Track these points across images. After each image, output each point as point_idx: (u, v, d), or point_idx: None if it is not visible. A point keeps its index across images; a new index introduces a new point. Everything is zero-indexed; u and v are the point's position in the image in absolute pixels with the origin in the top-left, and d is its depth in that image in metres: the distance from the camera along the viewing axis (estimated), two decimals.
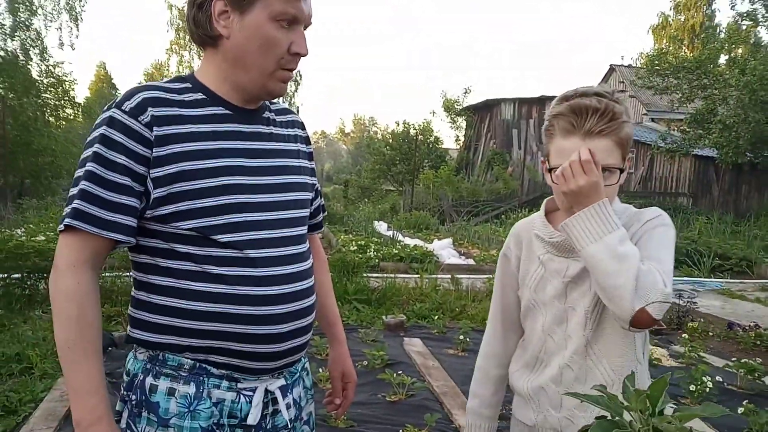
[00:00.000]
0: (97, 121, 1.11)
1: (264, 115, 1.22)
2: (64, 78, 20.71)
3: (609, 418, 0.80)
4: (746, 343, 5.25)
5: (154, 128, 1.07)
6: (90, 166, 1.06)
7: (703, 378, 3.62)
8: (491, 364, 1.50)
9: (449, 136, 29.68)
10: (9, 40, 19.32)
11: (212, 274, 1.09)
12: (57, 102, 20.30)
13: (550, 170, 1.28)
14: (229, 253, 1.10)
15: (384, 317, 5.33)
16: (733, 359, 4.31)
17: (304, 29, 1.15)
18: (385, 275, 6.62)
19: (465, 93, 28.19)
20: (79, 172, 1.08)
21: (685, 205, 18.35)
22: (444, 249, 8.87)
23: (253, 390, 1.14)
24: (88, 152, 1.08)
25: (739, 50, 17.01)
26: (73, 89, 21.43)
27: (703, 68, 16.12)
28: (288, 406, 1.20)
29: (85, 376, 1.04)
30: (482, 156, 23.64)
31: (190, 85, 1.15)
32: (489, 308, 4.70)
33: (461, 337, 4.71)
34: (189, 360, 1.11)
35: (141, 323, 1.13)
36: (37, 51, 20.26)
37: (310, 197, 1.31)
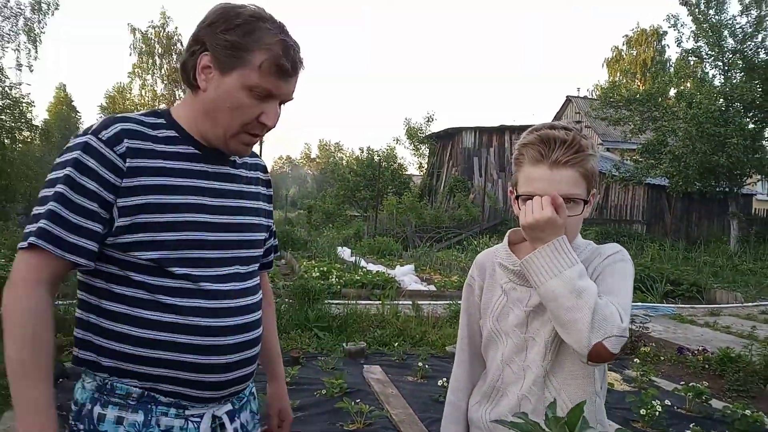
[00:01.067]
0: (70, 144, 1.13)
1: (231, 156, 1.27)
2: (21, 100, 20.31)
3: None
4: (695, 367, 5.43)
5: (128, 159, 1.11)
6: (60, 188, 1.08)
7: (653, 402, 3.74)
8: (460, 397, 1.48)
9: (412, 163, 30.08)
10: None
11: (164, 304, 1.12)
12: (13, 124, 19.82)
13: (517, 198, 1.32)
14: (183, 285, 1.14)
15: (344, 344, 5.33)
16: (682, 383, 4.46)
17: (281, 104, 1.21)
18: (347, 302, 6.62)
19: (428, 121, 28.70)
20: (47, 192, 1.09)
21: (640, 232, 18.96)
22: (406, 275, 8.94)
23: (201, 416, 1.17)
24: (59, 173, 1.10)
25: (687, 84, 17.85)
26: (30, 111, 21.01)
27: (653, 101, 16.86)
28: (235, 430, 1.23)
29: (35, 395, 1.04)
30: (444, 183, 23.98)
31: (164, 122, 1.20)
32: (450, 335, 4.80)
33: (420, 363, 4.75)
34: (137, 389, 1.13)
35: (89, 345, 1.15)
36: None
37: (264, 237, 1.35)
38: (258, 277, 1.33)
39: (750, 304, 9.86)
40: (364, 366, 4.80)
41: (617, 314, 1.17)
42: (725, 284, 11.39)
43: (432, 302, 7.27)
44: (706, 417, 4.00)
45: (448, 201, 22.27)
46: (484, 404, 1.41)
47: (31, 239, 1.06)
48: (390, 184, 23.48)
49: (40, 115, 37.22)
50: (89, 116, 79.55)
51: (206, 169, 1.21)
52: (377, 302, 6.92)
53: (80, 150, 1.10)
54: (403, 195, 20.76)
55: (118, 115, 1.19)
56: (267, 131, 1.21)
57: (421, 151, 29.20)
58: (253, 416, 1.33)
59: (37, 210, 1.09)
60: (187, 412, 1.16)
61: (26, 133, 21.03)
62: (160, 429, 1.13)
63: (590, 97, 34.38)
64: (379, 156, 24.71)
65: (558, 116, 32.71)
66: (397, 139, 38.42)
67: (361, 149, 37.01)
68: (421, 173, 28.59)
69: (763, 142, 16.69)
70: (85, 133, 1.13)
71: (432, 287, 8.61)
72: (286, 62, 1.15)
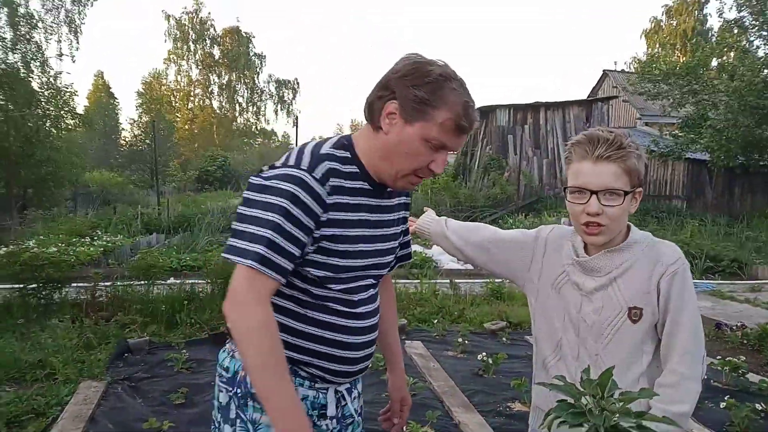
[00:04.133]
0: (279, 173, 1.26)
1: (388, 189, 1.43)
2: (65, 89, 20.96)
3: (569, 401, 1.03)
4: (733, 342, 5.48)
5: (330, 196, 1.29)
6: (278, 218, 1.22)
7: None
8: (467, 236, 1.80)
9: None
10: (10, 54, 19.52)
11: (323, 306, 1.35)
12: (57, 113, 20.49)
13: (564, 190, 1.52)
14: (337, 295, 1.36)
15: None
16: (719, 357, 4.54)
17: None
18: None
19: None
20: (263, 214, 1.22)
21: (679, 207, 18.62)
22: (443, 254, 9.08)
23: (327, 389, 1.41)
24: (274, 201, 1.23)
25: (729, 56, 17.31)
26: (73, 100, 21.66)
27: (693, 74, 16.40)
28: (354, 400, 1.50)
29: (286, 395, 1.19)
30: (479, 162, 23.88)
31: (350, 156, 1.35)
32: (487, 312, 4.98)
33: (460, 339, 4.94)
34: None
35: None
36: (38, 63, 20.47)
37: (395, 254, 1.57)
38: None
39: None
40: (406, 341, 5.02)
41: (688, 399, 1.42)
42: None
43: (469, 281, 7.42)
44: (742, 390, 4.09)
45: (482, 180, 22.19)
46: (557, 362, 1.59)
47: (257, 265, 1.19)
48: None
49: (81, 103, 38.17)
50: (127, 103, 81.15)
51: (373, 203, 1.39)
52: (416, 281, 7.12)
53: (296, 185, 1.24)
54: (437, 175, 20.79)
55: (323, 152, 1.32)
56: (433, 177, 1.40)
57: None
58: (359, 390, 1.58)
59: (248, 229, 1.23)
60: (317, 386, 1.39)
61: (70, 121, 21.67)
62: (299, 396, 1.33)
63: (628, 70, 33.57)
64: None
65: (594, 91, 32.06)
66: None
67: None
68: (455, 153, 28.53)
69: None
70: (297, 166, 1.27)
71: (469, 266, 8.74)
72: (465, 122, 1.29)
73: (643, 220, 14.47)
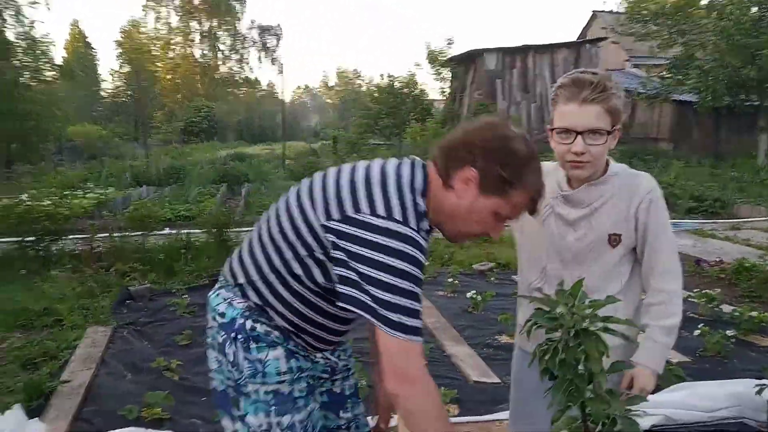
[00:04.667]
0: (399, 231, 1.25)
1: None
2: (41, 40, 20.42)
3: (545, 311, 1.18)
4: (711, 277, 5.74)
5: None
6: (409, 286, 1.24)
7: None
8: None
9: (434, 88, 29.76)
10: None
11: (325, 311, 1.42)
12: (36, 64, 20.02)
13: (551, 130, 1.62)
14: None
15: None
16: (695, 290, 4.78)
17: None
18: None
19: (448, 44, 28.09)
20: (404, 284, 1.24)
21: (666, 149, 18.82)
22: None
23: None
24: (408, 270, 1.24)
25: None
26: (51, 50, 21.13)
27: (682, 13, 16.27)
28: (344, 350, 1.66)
29: None
30: (468, 108, 23.80)
31: (424, 210, 1.33)
32: (476, 254, 5.21)
33: (450, 280, 5.14)
34: (280, 330, 1.45)
35: (261, 296, 1.44)
36: (12, 12, 19.85)
37: None
38: None
39: None
40: None
41: (677, 311, 1.63)
42: (751, 199, 11.47)
43: None
44: (715, 320, 4.34)
45: None
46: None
47: (415, 339, 1.25)
48: (412, 111, 23.38)
49: (58, 54, 37.12)
50: (106, 53, 78.70)
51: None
52: None
53: (414, 248, 1.25)
54: (426, 122, 20.73)
55: (420, 209, 1.31)
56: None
57: (442, 75, 28.77)
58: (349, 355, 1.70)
59: (399, 301, 1.24)
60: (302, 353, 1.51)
61: (49, 73, 21.22)
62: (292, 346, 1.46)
63: (617, 10, 33.07)
64: (399, 83, 24.47)
65: (584, 32, 31.64)
66: (418, 64, 37.61)
67: (381, 76, 36.40)
68: (444, 98, 28.32)
69: None
70: (406, 223, 1.26)
71: None
72: (536, 205, 1.36)
73: (629, 162, 14.58)
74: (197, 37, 46.73)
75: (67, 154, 18.19)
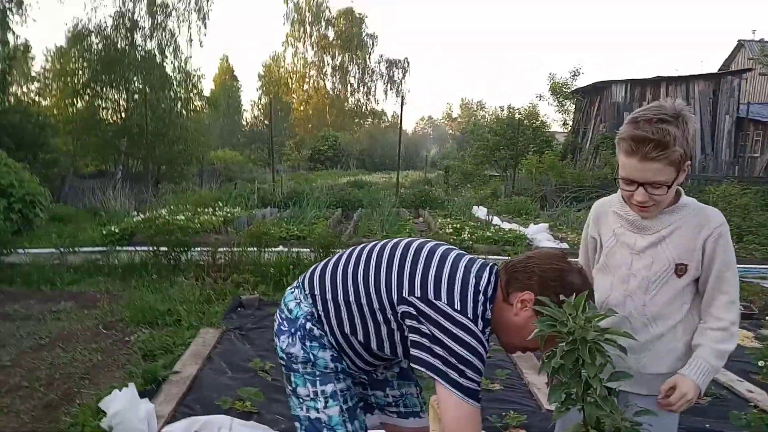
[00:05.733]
0: (463, 323, 1.47)
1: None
2: (194, 73, 22.87)
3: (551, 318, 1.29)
4: None
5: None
6: (470, 357, 1.46)
7: None
8: None
9: (556, 120, 29.09)
10: (148, 41, 21.60)
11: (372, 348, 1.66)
12: (187, 95, 22.39)
13: (615, 179, 1.72)
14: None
15: None
16: None
17: None
18: (477, 256, 7.04)
19: (573, 75, 27.46)
20: (471, 358, 1.46)
21: None
22: (539, 233, 9.08)
23: None
24: (461, 352, 1.45)
25: None
26: (201, 83, 23.53)
27: None
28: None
29: None
30: (590, 140, 23.01)
31: (489, 317, 1.55)
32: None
33: None
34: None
35: (326, 312, 1.66)
36: (171, 49, 22.48)
37: None
38: None
39: None
40: None
41: (734, 340, 1.67)
42: None
43: None
44: None
45: (593, 159, 21.41)
46: None
47: (472, 402, 1.47)
48: (531, 142, 23.04)
49: (207, 85, 41.13)
50: (249, 85, 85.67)
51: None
52: (507, 258, 7.27)
53: (480, 344, 1.48)
54: (544, 153, 20.34)
55: (487, 315, 1.53)
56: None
57: (566, 107, 28.12)
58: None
59: (466, 371, 1.45)
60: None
61: (198, 103, 23.57)
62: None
63: (767, 40, 30.47)
64: (520, 114, 24.28)
65: (727, 63, 29.49)
66: (540, 96, 36.95)
67: (501, 107, 36.14)
68: (566, 131, 27.59)
69: None
70: (474, 322, 1.48)
71: (564, 245, 8.71)
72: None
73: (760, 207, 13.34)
74: (329, 70, 49.55)
75: (206, 177, 20.02)
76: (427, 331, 1.48)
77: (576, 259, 1.71)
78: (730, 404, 3.36)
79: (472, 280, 1.53)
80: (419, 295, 1.51)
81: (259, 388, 3.39)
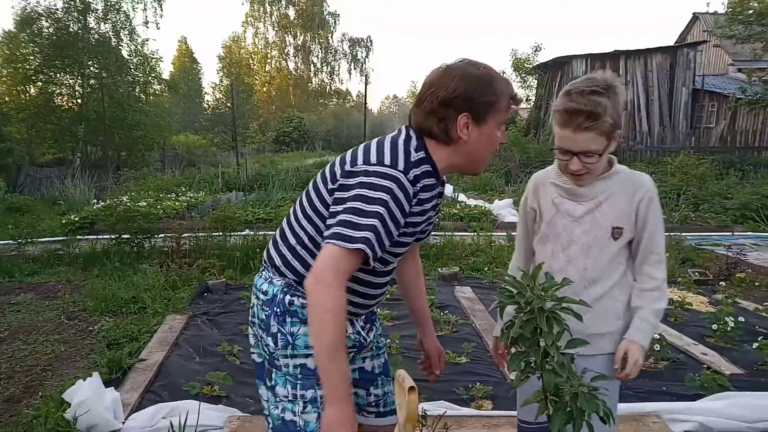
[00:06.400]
0: (380, 171, 1.43)
1: (442, 179, 1.63)
2: (151, 56, 22.22)
3: (510, 290, 1.31)
4: None
5: (419, 194, 1.49)
6: (381, 209, 1.40)
7: (726, 318, 3.93)
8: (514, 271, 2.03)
9: (520, 96, 29.16)
10: (102, 23, 20.85)
11: (357, 277, 1.55)
12: (146, 79, 21.77)
13: (551, 150, 1.76)
14: (372, 268, 1.57)
15: (439, 269, 5.87)
16: (766, 304, 4.54)
17: None
18: (444, 233, 7.11)
19: (535, 51, 27.61)
20: (369, 207, 1.39)
21: None
22: (503, 209, 9.20)
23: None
24: (379, 195, 1.40)
25: None
26: (159, 66, 22.89)
27: None
28: (370, 332, 1.76)
29: (340, 368, 1.38)
30: (553, 115, 23.28)
31: (425, 155, 1.53)
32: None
33: None
34: None
35: (293, 269, 1.59)
36: (127, 32, 21.76)
37: None
38: None
39: None
40: (456, 287, 5.31)
41: (665, 297, 1.78)
42: None
43: None
44: None
45: None
46: None
47: (359, 245, 1.36)
48: None
49: (166, 68, 40.03)
50: (209, 67, 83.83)
51: (437, 193, 1.61)
52: (473, 233, 7.35)
53: (396, 185, 1.43)
54: (508, 129, 20.48)
55: (413, 158, 1.49)
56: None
57: (528, 83, 28.30)
58: (379, 326, 1.84)
59: (354, 219, 1.38)
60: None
61: (156, 87, 22.96)
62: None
63: (721, 12, 31.13)
64: None
65: (683, 36, 30.06)
66: (503, 72, 37.10)
67: None
68: (528, 106, 27.85)
69: None
70: (393, 167, 1.44)
71: None
72: (516, 94, 1.57)
73: (725, 173, 13.80)
74: (291, 50, 48.77)
75: (168, 162, 19.61)
76: (345, 195, 1.44)
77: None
78: (686, 367, 3.49)
79: (388, 139, 1.55)
80: (341, 173, 1.50)
81: (227, 372, 3.37)
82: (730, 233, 8.48)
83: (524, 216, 1.95)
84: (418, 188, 1.49)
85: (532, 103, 26.39)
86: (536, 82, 26.58)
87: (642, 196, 1.73)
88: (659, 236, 1.76)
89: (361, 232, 1.37)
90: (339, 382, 1.38)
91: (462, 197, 11.00)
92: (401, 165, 1.45)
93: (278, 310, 1.59)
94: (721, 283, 5.27)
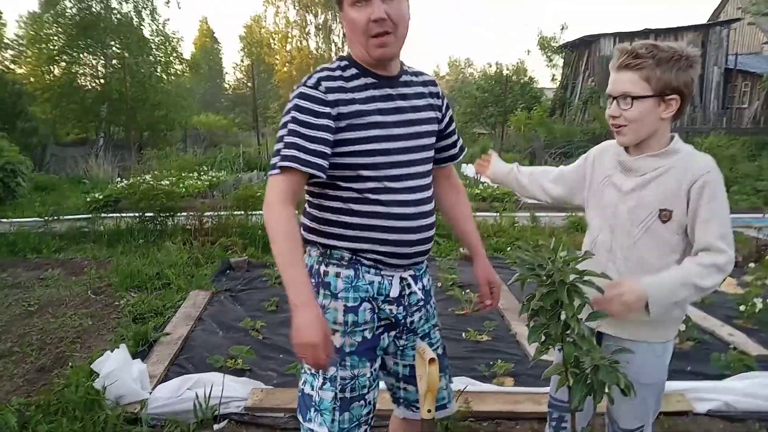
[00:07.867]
0: (292, 95, 1.52)
1: (402, 78, 1.61)
2: (173, 36, 22.29)
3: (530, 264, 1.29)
4: None
5: (328, 95, 1.48)
6: (291, 126, 1.46)
7: (754, 300, 3.87)
8: (523, 172, 2.07)
9: (545, 75, 28.74)
10: (124, 4, 20.94)
11: (370, 199, 1.52)
12: (167, 59, 21.85)
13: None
14: (378, 185, 1.52)
15: (461, 249, 5.85)
16: None
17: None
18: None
19: (562, 29, 27.15)
20: (283, 131, 1.47)
21: None
22: None
23: (392, 276, 1.60)
24: (287, 117, 1.48)
25: None
26: (180, 46, 22.94)
27: None
28: (419, 289, 1.66)
29: (297, 273, 1.42)
30: (579, 95, 22.90)
31: (348, 63, 1.57)
32: (566, 242, 5.15)
33: None
34: (347, 254, 1.56)
35: (315, 231, 1.59)
36: (148, 12, 21.82)
37: (432, 141, 1.69)
38: (431, 176, 1.68)
39: None
40: None
41: (711, 284, 1.53)
42: None
43: (550, 214, 7.43)
44: None
45: (582, 114, 21.36)
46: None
47: (280, 163, 1.43)
48: (520, 98, 22.86)
49: (187, 48, 40.18)
50: (230, 48, 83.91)
51: (384, 93, 1.56)
52: (495, 214, 7.30)
53: (297, 97, 1.50)
54: (533, 110, 20.23)
55: (326, 67, 1.56)
56: (388, 26, 1.47)
57: (554, 62, 27.83)
58: (430, 283, 1.74)
59: (277, 146, 1.47)
60: (383, 272, 1.58)
61: (178, 66, 23.03)
62: (366, 281, 1.56)
63: None
64: (508, 70, 24.03)
65: (716, 14, 29.19)
66: (528, 51, 36.42)
67: (489, 64, 35.73)
68: (554, 86, 27.40)
69: None
70: (299, 86, 1.52)
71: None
72: None
73: (758, 154, 13.45)
74: (312, 30, 48.51)
75: (190, 142, 19.75)
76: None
77: None
78: (712, 348, 3.45)
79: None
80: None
81: (250, 347, 3.42)
82: (761, 215, 8.29)
83: (578, 166, 1.90)
84: (325, 87, 1.49)
85: (558, 83, 25.96)
86: (562, 61, 26.10)
87: (694, 179, 1.56)
88: (717, 227, 1.54)
89: (280, 154, 1.45)
90: (300, 285, 1.42)
91: (485, 178, 10.90)
92: (306, 81, 1.52)
93: (313, 281, 1.59)
94: (750, 264, 5.16)
